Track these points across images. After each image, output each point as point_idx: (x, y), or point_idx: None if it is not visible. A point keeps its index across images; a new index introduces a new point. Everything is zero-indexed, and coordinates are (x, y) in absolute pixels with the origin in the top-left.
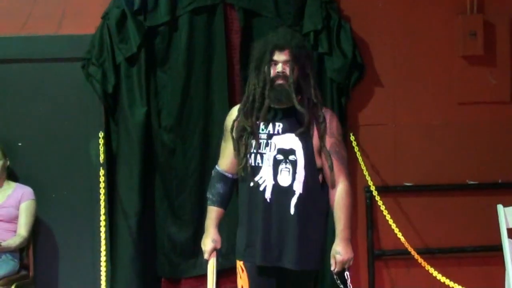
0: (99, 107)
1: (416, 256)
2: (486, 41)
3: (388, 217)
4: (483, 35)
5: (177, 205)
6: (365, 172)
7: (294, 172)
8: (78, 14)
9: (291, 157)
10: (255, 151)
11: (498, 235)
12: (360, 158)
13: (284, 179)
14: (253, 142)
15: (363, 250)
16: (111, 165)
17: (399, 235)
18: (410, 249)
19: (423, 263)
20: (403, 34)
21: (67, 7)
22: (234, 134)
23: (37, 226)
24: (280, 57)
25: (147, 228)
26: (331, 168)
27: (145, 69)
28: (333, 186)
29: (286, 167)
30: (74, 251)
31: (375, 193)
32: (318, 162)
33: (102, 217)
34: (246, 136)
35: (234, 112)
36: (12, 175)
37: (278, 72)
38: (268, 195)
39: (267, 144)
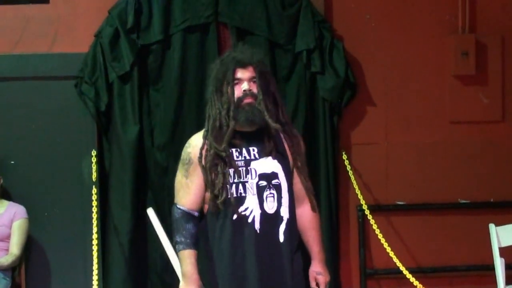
0: (92, 125)
1: (408, 275)
2: (478, 61)
3: (380, 235)
4: (475, 55)
5: (169, 223)
6: (357, 191)
7: (280, 197)
8: (71, 33)
9: (274, 181)
10: (235, 180)
11: (490, 254)
12: (352, 177)
13: (271, 206)
14: (231, 171)
15: (355, 268)
16: (103, 184)
17: (391, 254)
18: (402, 268)
19: (415, 282)
20: (395, 53)
21: (60, 26)
22: (205, 164)
23: (30, 245)
24: (244, 74)
25: (139, 247)
26: (312, 190)
27: (138, 88)
28: (302, 205)
29: (270, 193)
30: (66, 270)
31: (367, 211)
32: None
33: (95, 236)
34: (221, 165)
35: (196, 141)
36: (5, 194)
37: (244, 90)
38: (257, 225)
39: (247, 171)
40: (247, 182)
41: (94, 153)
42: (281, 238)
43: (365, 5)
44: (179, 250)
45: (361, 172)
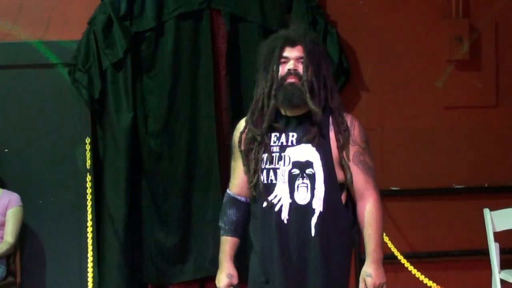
0: (85, 113)
1: (403, 260)
2: (472, 46)
3: None
4: (468, 40)
5: (164, 210)
6: None
7: (313, 188)
8: (64, 20)
9: (308, 171)
10: (267, 166)
11: (485, 239)
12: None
13: (302, 197)
14: (265, 156)
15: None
16: (98, 171)
17: (386, 239)
18: (397, 253)
19: (410, 268)
20: (389, 39)
21: (52, 13)
22: (242, 148)
23: (24, 232)
24: (291, 53)
25: (134, 234)
26: (350, 182)
27: (132, 75)
28: (361, 200)
29: (303, 183)
30: (61, 257)
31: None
32: (340, 175)
33: (89, 223)
34: (256, 149)
35: (241, 124)
36: None
37: (289, 69)
38: (285, 215)
39: (280, 158)
40: (278, 169)
41: (88, 140)
42: (312, 232)
43: None
44: (221, 235)
45: None
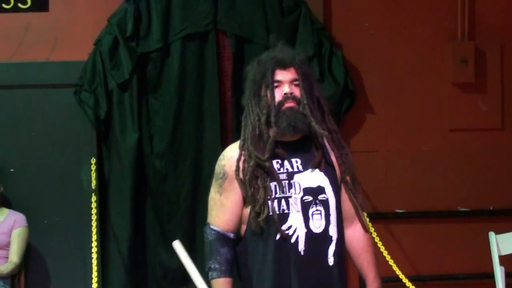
0: (91, 133)
1: (408, 283)
2: (477, 68)
3: (379, 244)
4: (474, 62)
5: (168, 231)
6: None
7: (327, 214)
8: (70, 41)
9: (321, 197)
10: (277, 195)
11: (490, 263)
12: None
13: (317, 224)
14: (272, 185)
15: (354, 277)
16: (103, 191)
17: (391, 262)
18: (401, 276)
19: None
20: (394, 61)
21: (59, 34)
22: (244, 177)
23: (29, 252)
24: (285, 76)
25: (138, 255)
26: (363, 207)
27: (137, 95)
28: (351, 224)
29: (317, 210)
30: (65, 277)
31: (366, 219)
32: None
33: (94, 243)
34: (262, 177)
35: (232, 153)
36: (5, 201)
37: (285, 93)
38: (301, 247)
39: (290, 185)
40: (290, 197)
41: (93, 160)
42: (330, 261)
43: (364, 12)
44: (212, 278)
45: (360, 180)
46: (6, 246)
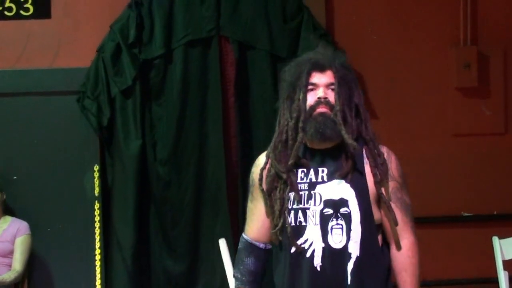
0: (94, 140)
1: None
2: (480, 73)
3: None
4: (477, 67)
5: (172, 237)
6: None
7: (349, 230)
8: (73, 48)
9: (343, 210)
10: (295, 206)
11: (494, 267)
12: None
13: (337, 239)
14: (291, 195)
15: None
16: (106, 198)
17: None
18: None
19: None
20: (397, 66)
21: (62, 41)
22: (264, 187)
23: (32, 260)
24: (320, 79)
25: (142, 261)
26: (395, 222)
27: (140, 102)
28: (397, 244)
29: (337, 224)
30: (69, 285)
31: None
32: (377, 215)
33: (97, 250)
34: (281, 188)
35: (260, 160)
36: (8, 209)
37: (319, 98)
38: (317, 261)
39: (310, 196)
40: (308, 209)
41: (96, 167)
42: (348, 279)
43: (366, 18)
44: (236, 287)
45: None
46: (10, 254)
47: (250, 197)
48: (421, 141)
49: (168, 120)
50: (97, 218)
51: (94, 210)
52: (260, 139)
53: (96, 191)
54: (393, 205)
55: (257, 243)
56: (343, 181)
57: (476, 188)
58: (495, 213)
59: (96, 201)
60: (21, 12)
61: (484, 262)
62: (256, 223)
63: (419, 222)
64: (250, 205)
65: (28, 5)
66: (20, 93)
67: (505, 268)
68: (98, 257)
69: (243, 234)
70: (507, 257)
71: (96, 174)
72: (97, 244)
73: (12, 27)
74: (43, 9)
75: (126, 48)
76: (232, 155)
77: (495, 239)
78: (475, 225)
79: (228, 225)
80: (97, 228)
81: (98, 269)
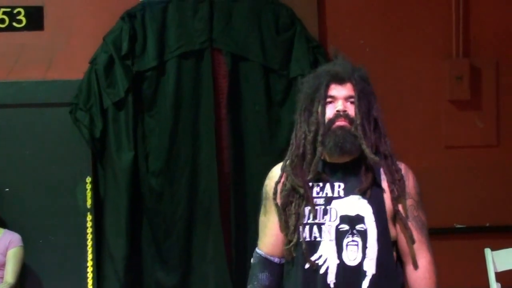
0: (86, 152)
1: None
2: (473, 85)
3: None
4: (469, 79)
5: (164, 249)
6: None
7: (364, 247)
8: (66, 60)
9: (359, 227)
10: (310, 221)
11: (486, 279)
12: None
13: (352, 256)
14: (306, 210)
15: None
16: (98, 210)
17: None
18: None
19: None
20: (390, 78)
21: (54, 53)
22: (278, 201)
23: (24, 272)
24: (340, 92)
25: (134, 273)
26: (412, 240)
27: (133, 114)
28: (414, 263)
29: (353, 241)
30: None
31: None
32: (393, 232)
33: (90, 262)
34: (297, 202)
35: (274, 173)
36: (0, 221)
37: (338, 110)
38: (331, 278)
39: (325, 212)
40: (323, 224)
41: (89, 179)
42: None
43: (359, 30)
44: None
45: None
46: (2, 266)
47: (263, 210)
48: (414, 153)
49: (160, 132)
50: (89, 230)
51: (86, 222)
52: (252, 151)
53: (89, 203)
54: (409, 223)
55: (272, 258)
56: (360, 197)
57: (469, 200)
58: (487, 225)
59: (88, 213)
60: (14, 24)
61: (477, 274)
62: (270, 238)
63: None
64: (263, 219)
65: (21, 17)
66: (12, 105)
67: (497, 280)
68: (90, 269)
69: (256, 249)
70: (500, 269)
71: (89, 186)
72: (89, 256)
73: (4, 39)
74: (36, 21)
75: (119, 60)
76: (224, 167)
77: (488, 251)
78: (468, 237)
79: (220, 237)
80: (89, 240)
81: (90, 281)
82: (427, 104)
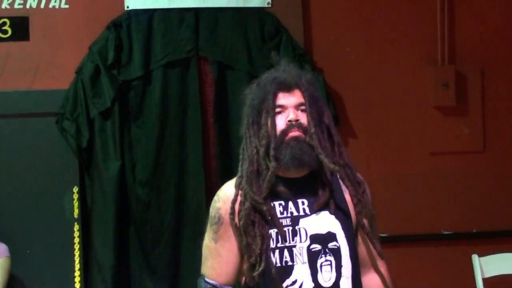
0: (73, 162)
1: None
2: (458, 92)
3: None
4: (455, 86)
5: (152, 258)
6: None
7: (339, 266)
8: (52, 69)
9: (332, 245)
10: (279, 245)
11: (473, 285)
12: None
13: (327, 277)
14: (273, 232)
15: None
16: (85, 220)
17: None
18: None
19: None
20: (375, 85)
21: (40, 63)
22: (238, 223)
23: (11, 283)
24: (289, 100)
25: (122, 282)
26: (382, 255)
27: (119, 123)
28: (369, 270)
29: (326, 260)
30: None
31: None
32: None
33: (77, 272)
34: (260, 223)
35: (226, 192)
36: None
37: (289, 120)
38: None
39: (295, 232)
40: (294, 246)
41: (75, 189)
42: None
43: (345, 38)
44: None
45: None
46: None
47: (212, 236)
48: (400, 160)
49: (147, 141)
50: (76, 240)
51: (74, 231)
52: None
53: (76, 212)
54: (367, 236)
55: (225, 287)
56: (326, 213)
57: (455, 206)
58: (474, 231)
59: (76, 223)
60: None
61: (464, 280)
62: (225, 266)
63: (398, 241)
64: (212, 245)
65: (6, 27)
66: None
67: (484, 286)
68: (77, 279)
69: (205, 279)
70: (487, 275)
71: (75, 196)
72: (77, 266)
73: None
74: (21, 32)
75: (104, 70)
76: (211, 176)
77: (475, 257)
78: (455, 243)
79: None
80: (76, 249)
81: None
82: (413, 110)
